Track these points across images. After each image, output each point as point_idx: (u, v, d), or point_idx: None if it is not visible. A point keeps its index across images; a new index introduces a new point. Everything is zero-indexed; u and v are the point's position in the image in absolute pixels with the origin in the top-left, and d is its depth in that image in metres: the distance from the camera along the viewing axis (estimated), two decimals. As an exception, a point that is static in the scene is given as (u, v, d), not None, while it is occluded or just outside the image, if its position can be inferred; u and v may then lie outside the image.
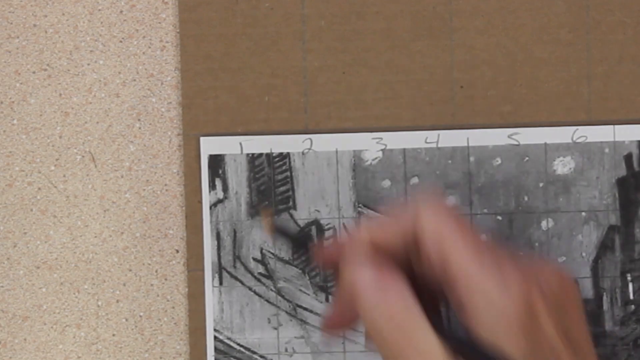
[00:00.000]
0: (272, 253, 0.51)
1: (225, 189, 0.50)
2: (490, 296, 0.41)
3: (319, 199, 0.50)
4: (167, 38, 0.51)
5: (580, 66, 0.50)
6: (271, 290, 0.51)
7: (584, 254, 0.50)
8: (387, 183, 0.50)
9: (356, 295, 0.42)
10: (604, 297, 0.50)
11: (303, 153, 0.50)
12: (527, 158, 0.50)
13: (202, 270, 0.50)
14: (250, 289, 0.51)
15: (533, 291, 0.41)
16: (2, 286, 0.51)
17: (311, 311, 0.50)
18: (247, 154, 0.50)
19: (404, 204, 0.43)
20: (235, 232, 0.51)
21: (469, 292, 0.41)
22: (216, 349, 0.50)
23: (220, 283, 0.50)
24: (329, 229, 0.50)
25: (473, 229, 0.42)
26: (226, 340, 0.50)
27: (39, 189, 0.51)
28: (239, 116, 0.51)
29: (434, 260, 0.42)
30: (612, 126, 0.50)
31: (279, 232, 0.48)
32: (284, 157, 0.50)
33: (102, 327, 0.51)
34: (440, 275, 0.42)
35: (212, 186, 0.50)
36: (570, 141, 0.50)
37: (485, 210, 0.50)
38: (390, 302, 0.41)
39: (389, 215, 0.43)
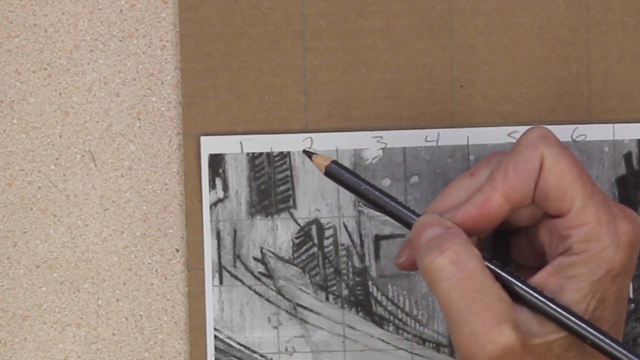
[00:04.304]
0: (272, 252, 0.51)
1: (225, 188, 0.51)
2: (603, 248, 0.41)
3: (319, 198, 0.50)
4: (167, 37, 0.51)
5: (580, 65, 0.50)
6: (271, 289, 0.51)
7: (583, 253, 0.50)
8: (387, 182, 0.50)
9: (420, 247, 0.42)
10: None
11: (303, 152, 0.50)
12: (527, 157, 0.50)
13: (202, 269, 0.51)
14: (250, 288, 0.51)
15: (636, 242, 0.42)
16: (2, 285, 0.51)
17: (311, 310, 0.50)
18: (248, 153, 0.50)
19: (524, 144, 0.43)
20: (235, 231, 0.51)
21: (584, 242, 0.41)
22: (216, 348, 0.50)
23: (221, 282, 0.50)
24: (329, 227, 0.50)
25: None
26: (226, 340, 0.50)
27: (39, 188, 0.51)
28: (239, 115, 0.51)
29: (550, 204, 0.42)
30: (611, 125, 0.50)
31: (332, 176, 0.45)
32: (284, 156, 0.50)
33: (102, 326, 0.51)
34: (546, 221, 0.43)
35: (212, 185, 0.51)
36: (569, 140, 0.50)
37: (485, 209, 0.50)
38: (459, 248, 0.41)
39: (511, 161, 0.42)
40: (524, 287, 0.42)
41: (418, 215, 0.44)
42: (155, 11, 0.51)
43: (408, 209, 0.44)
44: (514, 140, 0.50)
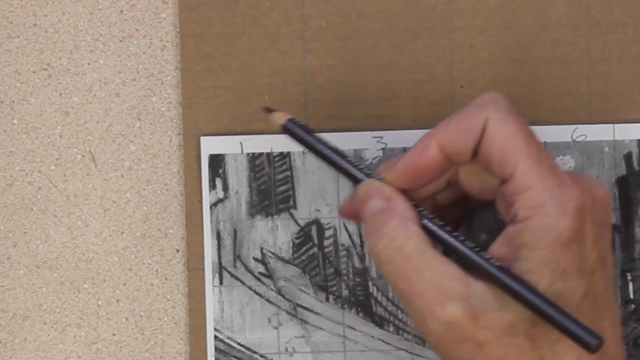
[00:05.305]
0: (272, 252, 0.51)
1: (225, 188, 0.51)
2: (547, 215, 0.40)
3: (319, 199, 0.50)
4: (167, 38, 0.51)
5: (581, 65, 0.50)
6: (271, 289, 0.51)
7: (584, 253, 0.50)
8: (387, 182, 0.50)
9: (365, 225, 0.42)
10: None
11: (303, 152, 0.50)
12: (527, 157, 0.50)
13: (203, 269, 0.51)
14: (250, 288, 0.51)
15: (586, 210, 0.40)
16: (2, 286, 0.51)
17: (311, 311, 0.50)
18: (248, 154, 0.50)
19: (474, 104, 0.42)
20: (235, 231, 0.51)
21: (528, 209, 0.40)
22: (216, 349, 0.50)
23: (221, 282, 0.50)
24: (329, 228, 0.50)
25: (535, 134, 0.42)
26: (226, 340, 0.50)
27: (39, 188, 0.51)
28: (239, 116, 0.51)
29: (494, 168, 0.41)
30: (611, 125, 0.50)
31: (289, 132, 0.44)
32: (285, 156, 0.50)
33: (102, 326, 0.51)
34: (496, 188, 0.42)
35: (213, 186, 0.51)
36: (570, 140, 0.50)
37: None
38: (394, 232, 0.41)
39: (456, 117, 0.42)
40: (471, 255, 0.40)
41: (369, 174, 0.43)
42: (155, 11, 0.51)
43: (359, 169, 0.43)
44: (514, 141, 0.50)
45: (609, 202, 0.42)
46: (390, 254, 0.41)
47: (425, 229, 0.42)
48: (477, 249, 0.41)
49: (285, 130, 0.44)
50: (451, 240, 0.41)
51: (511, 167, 0.40)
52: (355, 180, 0.43)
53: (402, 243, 0.41)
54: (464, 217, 0.47)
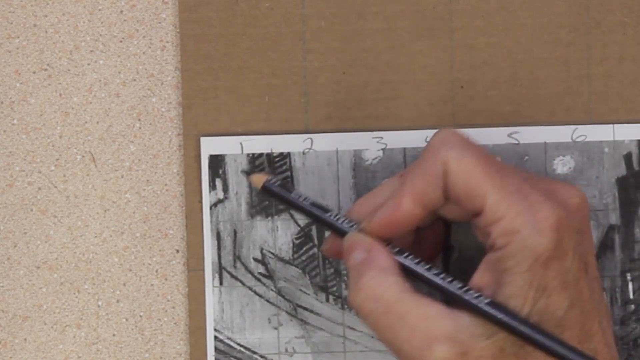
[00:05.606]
0: (272, 253, 0.51)
1: (225, 189, 0.51)
2: (524, 238, 0.40)
3: (319, 199, 0.50)
4: (167, 38, 0.51)
5: (580, 66, 0.50)
6: (271, 290, 0.51)
7: (584, 254, 0.50)
8: (387, 183, 0.50)
9: (347, 279, 0.43)
10: (604, 297, 0.50)
11: (303, 153, 0.50)
12: (526, 157, 0.50)
13: (203, 270, 0.51)
14: (250, 289, 0.51)
15: (562, 224, 0.41)
16: (2, 286, 0.51)
17: (311, 311, 0.50)
18: (248, 154, 0.50)
19: (429, 149, 0.43)
20: (235, 232, 0.51)
21: (504, 236, 0.41)
22: (216, 349, 0.50)
23: (221, 283, 0.51)
24: (329, 228, 0.50)
25: (494, 159, 0.42)
26: (226, 340, 0.50)
27: (39, 189, 0.51)
28: (239, 116, 0.51)
29: (465, 205, 0.42)
30: (611, 125, 0.50)
31: (268, 192, 0.47)
32: (285, 157, 0.50)
33: (102, 327, 0.51)
34: (471, 220, 0.42)
35: (213, 186, 0.51)
36: (570, 140, 0.50)
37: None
38: (371, 282, 0.42)
39: (417, 168, 0.43)
40: (451, 290, 0.41)
41: (350, 225, 0.45)
42: (155, 12, 0.51)
43: (339, 221, 0.45)
44: (515, 141, 0.50)
45: (585, 207, 0.43)
46: (371, 306, 0.41)
47: (407, 271, 0.42)
48: (464, 287, 0.41)
49: (266, 190, 0.46)
50: (437, 281, 0.42)
51: (480, 202, 0.41)
52: (339, 232, 0.45)
53: (380, 293, 0.41)
54: (446, 228, 0.48)
